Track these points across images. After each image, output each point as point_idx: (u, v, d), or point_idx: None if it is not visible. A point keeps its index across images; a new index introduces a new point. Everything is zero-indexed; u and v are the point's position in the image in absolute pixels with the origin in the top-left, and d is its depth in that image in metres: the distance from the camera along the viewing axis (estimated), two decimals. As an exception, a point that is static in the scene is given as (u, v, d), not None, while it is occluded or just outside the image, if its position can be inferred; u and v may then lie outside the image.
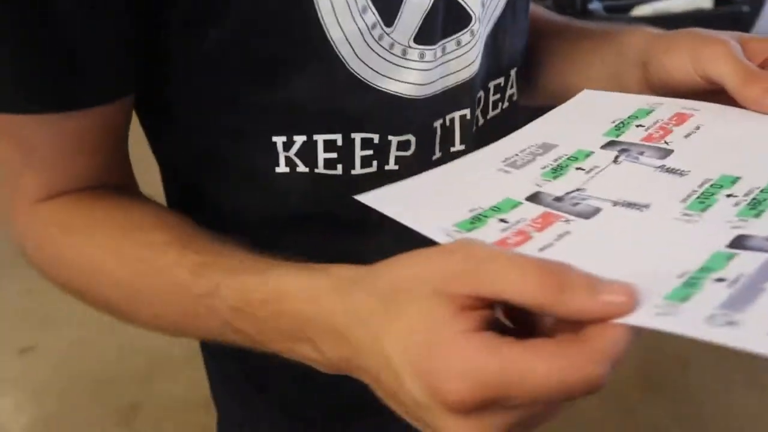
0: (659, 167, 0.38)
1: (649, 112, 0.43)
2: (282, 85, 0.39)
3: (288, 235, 0.45)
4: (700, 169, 0.37)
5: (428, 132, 0.44)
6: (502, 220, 0.34)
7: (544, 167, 0.39)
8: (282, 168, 0.41)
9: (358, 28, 0.38)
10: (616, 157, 0.39)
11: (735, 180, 0.36)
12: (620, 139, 0.41)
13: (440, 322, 0.25)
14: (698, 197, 0.35)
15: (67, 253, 0.40)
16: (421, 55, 0.41)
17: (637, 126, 0.42)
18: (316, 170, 0.41)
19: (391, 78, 0.41)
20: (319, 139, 0.41)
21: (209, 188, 0.45)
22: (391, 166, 0.43)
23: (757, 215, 0.32)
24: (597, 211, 0.34)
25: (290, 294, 0.31)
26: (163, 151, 0.47)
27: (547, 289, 0.24)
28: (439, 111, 0.44)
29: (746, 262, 0.28)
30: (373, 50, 0.39)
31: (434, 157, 0.45)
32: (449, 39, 0.42)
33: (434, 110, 0.44)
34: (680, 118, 0.42)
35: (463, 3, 0.42)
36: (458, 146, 0.46)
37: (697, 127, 0.41)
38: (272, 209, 0.44)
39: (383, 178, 0.39)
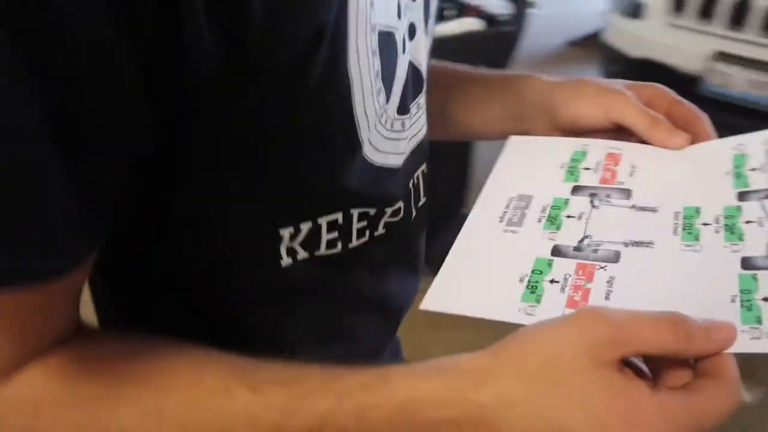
0: (632, 207, 0.44)
1: (584, 154, 0.49)
2: (301, 167, 0.37)
3: (287, 317, 0.43)
4: (665, 205, 0.43)
5: (408, 194, 0.46)
6: (553, 281, 0.38)
7: (540, 220, 0.43)
8: (285, 261, 0.39)
9: (375, 111, 0.39)
10: (591, 202, 0.44)
11: (697, 209, 0.42)
12: (581, 184, 0.46)
13: (621, 387, 0.30)
14: (684, 229, 0.41)
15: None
16: (403, 125, 0.43)
17: (585, 169, 0.47)
18: (317, 253, 0.40)
19: (388, 153, 0.42)
20: (323, 222, 0.39)
21: (209, 292, 0.41)
22: (380, 231, 0.44)
23: (741, 238, 0.39)
24: (618, 254, 0.39)
25: (426, 401, 0.31)
26: (148, 269, 0.40)
27: (680, 340, 0.30)
28: (410, 171, 0.47)
29: None
30: (378, 131, 0.40)
31: (413, 216, 0.48)
32: (413, 103, 0.45)
33: (409, 172, 0.46)
34: (614, 158, 0.48)
35: (419, 67, 0.45)
36: (422, 200, 0.49)
37: (633, 166, 0.47)
38: (273, 302, 0.42)
39: (374, 245, 0.43)
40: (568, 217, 0.43)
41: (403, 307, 0.51)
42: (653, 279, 0.38)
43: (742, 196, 0.43)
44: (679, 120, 0.49)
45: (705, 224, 0.41)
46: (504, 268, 0.40)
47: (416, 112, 0.46)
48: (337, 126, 0.37)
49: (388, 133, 0.41)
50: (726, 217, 0.41)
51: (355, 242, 0.42)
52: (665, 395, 0.30)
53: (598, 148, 0.49)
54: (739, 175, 0.45)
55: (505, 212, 0.44)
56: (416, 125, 0.46)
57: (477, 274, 0.40)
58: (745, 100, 2.09)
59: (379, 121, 0.40)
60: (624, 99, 0.49)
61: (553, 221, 0.43)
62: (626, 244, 0.40)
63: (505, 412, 0.30)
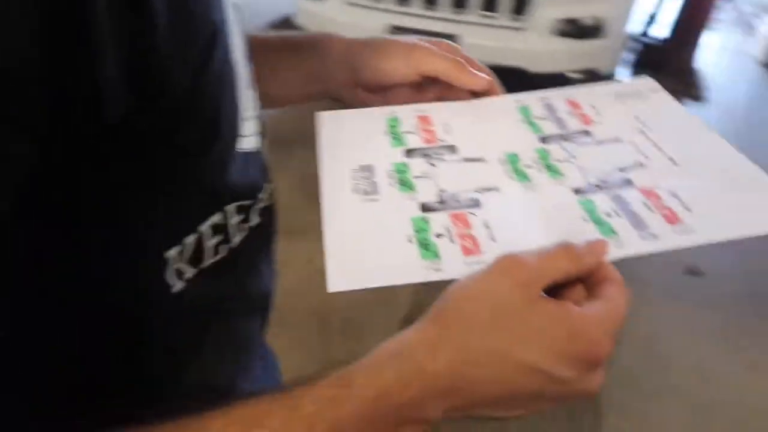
0: (463, 159, 0.48)
1: (397, 120, 0.52)
2: (191, 176, 0.33)
3: (201, 346, 0.39)
4: (489, 154, 0.48)
5: (267, 172, 0.44)
6: (438, 235, 0.41)
7: (392, 185, 0.45)
8: (177, 286, 0.34)
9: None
10: (427, 161, 0.48)
11: (516, 155, 0.48)
12: (410, 147, 0.49)
13: (558, 312, 0.34)
14: (515, 173, 0.46)
15: None
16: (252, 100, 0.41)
17: (406, 132, 0.50)
18: (203, 265, 0.36)
19: (251, 135, 0.40)
20: (205, 228, 0.35)
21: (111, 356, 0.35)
22: (254, 221, 0.41)
23: (561, 172, 0.46)
24: (477, 200, 0.44)
25: (390, 390, 0.31)
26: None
27: (574, 262, 0.36)
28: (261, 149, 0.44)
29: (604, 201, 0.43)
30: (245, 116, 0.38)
31: (269, 192, 0.45)
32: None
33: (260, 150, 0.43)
34: (425, 120, 0.52)
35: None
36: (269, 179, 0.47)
37: (445, 124, 0.51)
38: (178, 336, 0.37)
39: (251, 238, 0.40)
40: (416, 177, 0.46)
41: (273, 300, 0.49)
42: (516, 217, 0.43)
43: (544, 140, 0.50)
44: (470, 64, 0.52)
45: (527, 166, 0.47)
46: (387, 234, 0.41)
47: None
48: (230, 122, 0.35)
49: (248, 114, 0.39)
50: (541, 158, 0.48)
51: (236, 240, 0.39)
52: (589, 308, 0.35)
53: (405, 112, 0.52)
54: (531, 124, 0.52)
55: (356, 184, 0.45)
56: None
57: (365, 247, 0.40)
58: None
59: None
60: (430, 51, 0.51)
61: (404, 183, 0.45)
62: (478, 191, 0.45)
63: (467, 370, 0.32)
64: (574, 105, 0.54)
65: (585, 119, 0.52)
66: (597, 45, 2.51)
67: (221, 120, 0.34)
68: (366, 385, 0.31)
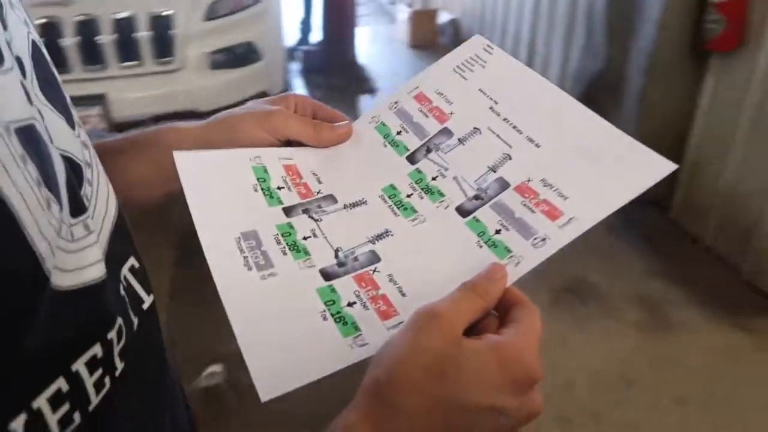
0: (344, 207, 0.48)
1: (265, 170, 0.50)
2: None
3: None
4: (369, 195, 0.48)
5: (123, 305, 0.37)
6: (350, 304, 0.41)
7: (285, 253, 0.44)
8: None
9: (54, 228, 0.30)
10: (311, 217, 0.47)
11: (393, 186, 0.49)
12: (287, 204, 0.48)
13: (485, 348, 0.35)
14: (399, 208, 0.47)
15: None
16: (86, 227, 0.34)
17: (279, 188, 0.49)
18: None
19: (83, 267, 0.33)
20: (41, 403, 0.29)
21: None
22: (119, 368, 0.34)
23: (441, 193, 0.47)
24: (374, 253, 0.44)
25: None
26: None
27: (483, 297, 0.38)
28: (116, 274, 0.37)
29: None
30: (63, 250, 0.31)
31: (135, 327, 0.38)
32: (83, 194, 0.36)
33: (116, 277, 0.37)
34: (293, 170, 0.51)
35: (71, 156, 0.36)
36: (146, 301, 0.41)
37: (314, 173, 0.51)
38: None
39: (122, 390, 0.34)
40: (305, 239, 0.45)
41: None
42: (416, 262, 0.43)
43: (410, 159, 0.51)
44: (326, 118, 0.55)
45: (408, 196, 0.48)
46: (300, 317, 0.40)
47: (90, 205, 0.37)
48: (18, 275, 0.28)
49: (74, 246, 0.33)
50: (416, 182, 0.49)
51: (95, 401, 0.32)
52: (508, 334, 0.36)
53: (270, 158, 0.51)
54: (395, 145, 0.52)
55: (246, 258, 0.43)
56: (98, 217, 0.37)
57: (283, 339, 0.38)
58: None
59: (60, 237, 0.32)
60: (283, 115, 0.52)
61: (295, 248, 0.44)
62: (372, 241, 0.45)
63: (413, 421, 0.34)
64: (422, 100, 0.55)
65: (439, 115, 0.53)
66: (257, 68, 2.49)
67: None
68: None
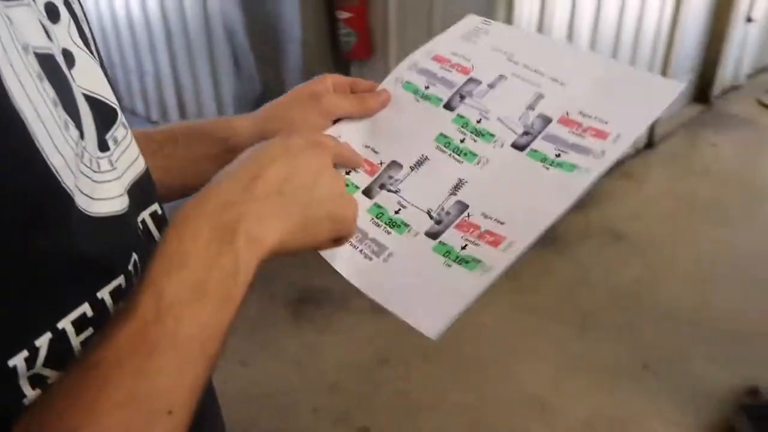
0: (410, 169, 0.52)
1: None
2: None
3: None
4: (426, 149, 0.52)
5: (141, 242, 0.40)
6: (464, 247, 0.46)
7: (388, 231, 0.49)
8: (31, 394, 0.30)
9: (72, 149, 0.32)
10: (387, 189, 0.51)
11: (444, 136, 0.52)
12: (364, 186, 0.52)
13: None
14: (463, 154, 0.51)
15: None
16: (111, 163, 0.37)
17: (347, 173, 0.53)
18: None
19: (107, 198, 0.35)
20: (66, 324, 0.31)
21: None
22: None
23: (492, 134, 0.52)
24: (462, 204, 0.49)
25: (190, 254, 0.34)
26: None
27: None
28: (135, 215, 0.40)
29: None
30: (86, 175, 0.33)
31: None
32: (109, 137, 0.38)
33: (134, 218, 0.40)
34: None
35: (99, 97, 0.39)
36: None
37: (365, 144, 0.54)
38: None
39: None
40: (397, 212, 0.50)
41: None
42: (498, 194, 0.48)
43: (447, 107, 0.54)
44: (365, 90, 0.58)
45: (462, 141, 0.52)
46: (432, 275, 0.45)
47: (116, 148, 0.39)
48: (32, 179, 0.29)
49: (100, 177, 0.35)
50: (463, 127, 0.52)
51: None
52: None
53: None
54: (427, 98, 0.55)
55: (362, 251, 0.48)
56: (124, 161, 0.40)
57: (425, 294, 0.45)
58: None
59: (83, 163, 0.33)
60: (331, 96, 0.55)
61: (396, 225, 0.49)
62: (453, 193, 0.49)
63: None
64: (441, 59, 0.58)
65: (462, 69, 0.56)
66: None
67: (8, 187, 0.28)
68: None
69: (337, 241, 0.44)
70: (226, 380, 1.76)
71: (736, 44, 3.65)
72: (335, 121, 0.55)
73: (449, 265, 0.44)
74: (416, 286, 0.45)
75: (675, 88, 0.50)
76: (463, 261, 0.44)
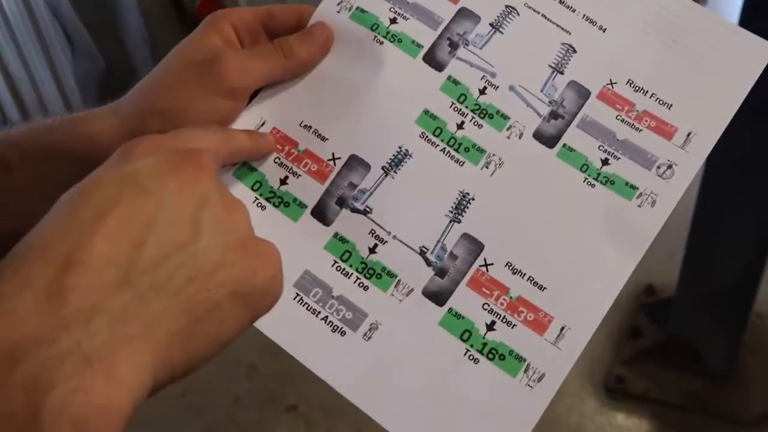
0: (385, 172, 0.34)
1: (248, 168, 0.36)
2: None
3: None
4: (403, 140, 0.34)
5: None
6: (491, 327, 0.30)
7: (360, 284, 0.32)
8: None
9: None
10: (353, 210, 0.33)
11: (428, 114, 0.33)
12: (313, 205, 0.35)
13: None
14: (462, 151, 0.32)
15: None
16: None
17: (284, 183, 0.35)
18: None
19: None
20: None
21: None
22: None
23: (504, 117, 0.33)
24: (476, 253, 0.32)
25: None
26: None
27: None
28: None
29: None
30: None
31: None
32: None
33: None
34: (278, 139, 0.35)
35: None
36: None
37: (305, 124, 0.35)
38: None
39: None
40: (373, 250, 0.33)
41: None
42: (526, 229, 0.32)
43: (430, 62, 0.34)
44: (287, 25, 0.37)
45: (460, 125, 0.33)
46: (448, 374, 0.29)
47: None
48: None
49: None
50: (460, 101, 0.34)
51: None
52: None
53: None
54: (394, 38, 0.35)
55: (326, 319, 0.31)
56: None
57: (439, 412, 0.29)
58: None
59: None
60: (234, 57, 0.35)
61: (374, 274, 0.32)
62: (454, 219, 0.32)
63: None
64: None
65: None
66: None
67: None
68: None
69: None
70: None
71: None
72: (254, 95, 0.36)
73: (475, 360, 0.29)
74: (426, 394, 0.28)
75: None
76: (495, 354, 0.29)
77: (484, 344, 0.29)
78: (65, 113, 0.40)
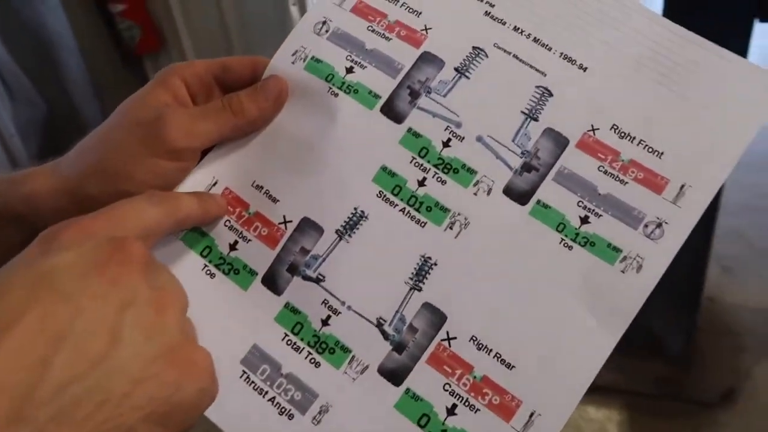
0: (339, 236, 0.31)
1: (200, 234, 0.33)
2: None
3: None
4: (359, 200, 0.31)
5: None
6: (452, 411, 0.27)
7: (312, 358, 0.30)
8: None
9: None
10: (306, 278, 0.32)
11: (386, 172, 0.31)
12: (264, 272, 0.32)
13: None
14: (427, 213, 0.30)
15: None
16: None
17: (234, 248, 0.33)
18: None
19: None
20: None
21: None
22: None
23: (469, 171, 0.30)
24: (440, 322, 0.29)
25: None
26: None
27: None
28: None
29: None
30: None
31: None
32: None
33: None
34: (230, 200, 0.33)
35: None
36: None
37: (257, 184, 0.34)
38: None
39: None
40: (326, 322, 0.30)
41: None
42: (493, 297, 0.28)
43: (388, 113, 0.32)
44: (240, 79, 0.35)
45: (420, 182, 0.30)
46: None
47: None
48: None
49: None
50: (421, 155, 0.30)
51: None
52: None
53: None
54: (350, 89, 0.32)
55: (274, 400, 0.29)
56: None
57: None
58: None
59: None
60: (181, 116, 0.33)
61: (326, 349, 0.30)
62: (415, 286, 0.29)
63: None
64: (366, 13, 0.33)
65: (408, 33, 0.32)
66: None
67: None
68: None
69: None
70: None
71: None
72: (205, 152, 0.34)
73: None
74: None
75: None
76: None
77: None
78: (5, 162, 0.39)
